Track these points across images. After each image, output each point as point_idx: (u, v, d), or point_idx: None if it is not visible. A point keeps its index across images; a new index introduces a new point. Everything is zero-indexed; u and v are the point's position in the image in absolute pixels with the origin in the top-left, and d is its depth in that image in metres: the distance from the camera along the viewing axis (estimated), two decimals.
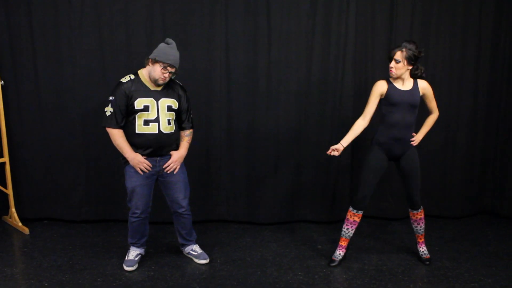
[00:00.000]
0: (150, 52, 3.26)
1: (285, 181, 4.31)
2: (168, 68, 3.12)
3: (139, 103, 3.15)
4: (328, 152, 3.30)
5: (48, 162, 4.16)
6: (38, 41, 3.98)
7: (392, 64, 3.24)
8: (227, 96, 4.17)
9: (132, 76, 3.22)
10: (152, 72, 3.16)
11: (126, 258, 3.44)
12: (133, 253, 3.45)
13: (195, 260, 3.53)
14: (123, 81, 3.18)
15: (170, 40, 3.19)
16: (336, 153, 3.30)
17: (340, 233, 3.55)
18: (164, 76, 3.15)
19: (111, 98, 3.16)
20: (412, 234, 3.81)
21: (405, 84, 3.32)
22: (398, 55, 3.21)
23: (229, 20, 4.06)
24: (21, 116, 4.09)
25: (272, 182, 4.30)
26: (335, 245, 3.84)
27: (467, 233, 4.25)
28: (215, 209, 4.34)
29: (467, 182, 4.59)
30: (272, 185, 4.30)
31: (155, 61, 3.13)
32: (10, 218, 4.13)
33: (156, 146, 3.23)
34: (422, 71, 3.34)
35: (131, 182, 3.27)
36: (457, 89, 4.42)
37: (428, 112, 3.49)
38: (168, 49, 3.13)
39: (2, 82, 3.92)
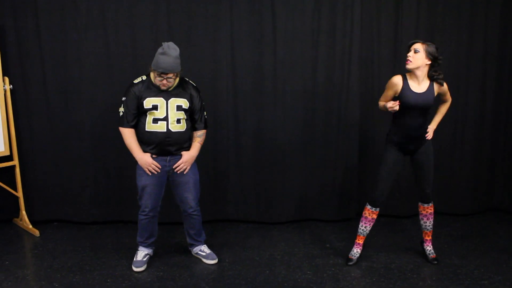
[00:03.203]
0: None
1: (293, 180, 4.31)
2: (162, 75, 3.12)
3: (148, 102, 3.19)
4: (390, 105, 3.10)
5: (57, 165, 4.20)
6: (46, 45, 4.01)
7: (410, 53, 3.14)
8: (233, 96, 4.18)
9: (144, 78, 3.28)
10: (154, 79, 3.20)
11: (134, 259, 3.47)
12: (142, 253, 3.47)
13: (204, 260, 3.55)
14: (134, 82, 3.26)
15: (165, 44, 3.12)
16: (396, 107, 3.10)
17: (357, 231, 3.54)
18: (162, 83, 3.16)
19: (123, 98, 3.25)
20: (420, 232, 3.80)
21: (421, 85, 3.19)
22: (418, 45, 3.12)
23: (234, 20, 4.07)
24: (30, 119, 4.13)
25: (279, 181, 4.30)
26: (343, 243, 3.86)
27: (476, 230, 4.23)
28: (223, 209, 4.35)
29: (476, 179, 4.56)
30: (280, 184, 4.31)
31: (152, 70, 3.16)
32: (21, 220, 4.17)
33: (164, 144, 3.25)
34: (439, 76, 3.20)
35: (141, 181, 3.31)
36: (465, 86, 4.39)
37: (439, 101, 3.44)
38: (160, 56, 3.09)
39: (11, 86, 3.96)
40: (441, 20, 4.26)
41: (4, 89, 3.91)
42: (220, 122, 4.18)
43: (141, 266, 3.41)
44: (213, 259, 3.54)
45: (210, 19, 4.04)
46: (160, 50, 3.12)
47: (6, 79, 3.92)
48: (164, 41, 3.20)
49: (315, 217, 4.41)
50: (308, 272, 3.38)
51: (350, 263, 3.50)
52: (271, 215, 4.34)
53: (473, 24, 4.31)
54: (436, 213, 3.86)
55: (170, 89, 3.24)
